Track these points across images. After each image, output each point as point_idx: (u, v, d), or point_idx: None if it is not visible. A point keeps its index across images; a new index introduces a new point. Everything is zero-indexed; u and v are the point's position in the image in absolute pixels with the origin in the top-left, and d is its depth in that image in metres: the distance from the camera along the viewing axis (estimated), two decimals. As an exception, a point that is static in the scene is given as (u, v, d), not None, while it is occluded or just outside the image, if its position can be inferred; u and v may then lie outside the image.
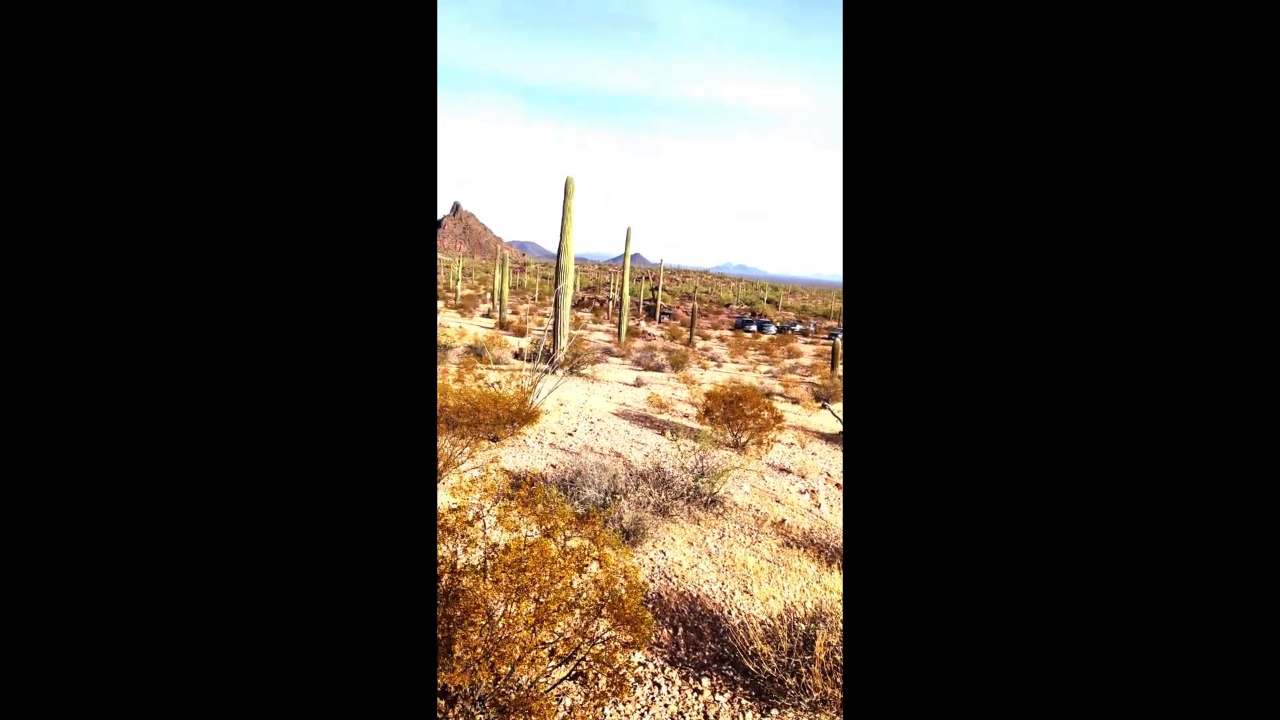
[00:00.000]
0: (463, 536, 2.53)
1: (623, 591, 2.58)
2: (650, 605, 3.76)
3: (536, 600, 2.37)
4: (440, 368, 11.57)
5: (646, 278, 67.60)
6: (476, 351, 15.30)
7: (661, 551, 4.54)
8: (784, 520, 5.53)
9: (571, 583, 2.53)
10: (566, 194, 13.82)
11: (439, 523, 2.55)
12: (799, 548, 4.95)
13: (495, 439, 6.81)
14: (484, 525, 2.71)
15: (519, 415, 6.61)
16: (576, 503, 4.77)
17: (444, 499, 4.76)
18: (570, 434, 7.77)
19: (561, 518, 2.75)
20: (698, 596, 3.96)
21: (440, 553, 2.42)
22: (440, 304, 37.75)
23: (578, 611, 2.59)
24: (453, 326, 23.35)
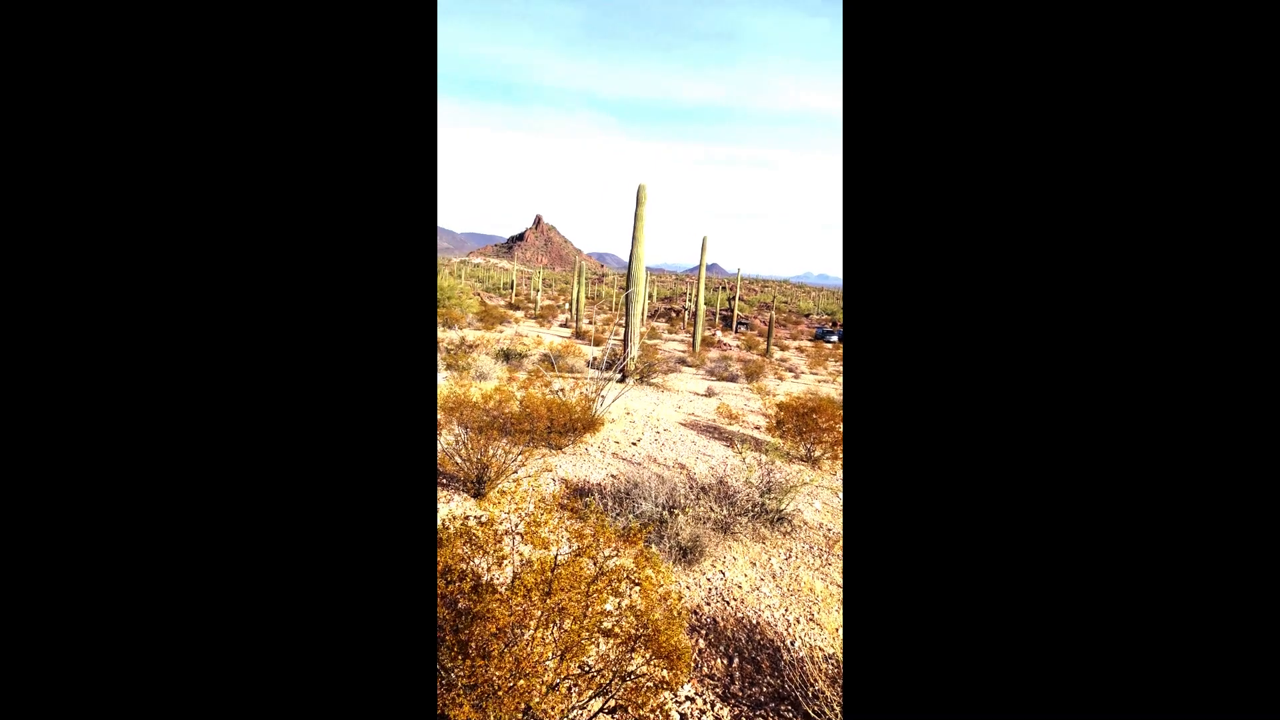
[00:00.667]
0: (485, 552, 2.36)
1: (660, 620, 2.33)
2: (704, 631, 3.48)
3: (564, 627, 2.16)
4: (510, 375, 11.69)
5: (723, 288, 67.01)
6: (550, 360, 15.45)
7: (721, 572, 4.24)
8: (858, 542, 5.11)
9: (606, 607, 2.32)
10: (639, 202, 13.74)
11: (468, 536, 2.39)
12: (874, 573, 4.53)
13: (557, 447, 6.71)
14: (514, 541, 2.53)
15: (579, 423, 6.48)
16: (631, 516, 4.56)
17: (477, 510, 4.67)
18: (634, 444, 7.58)
19: (600, 534, 2.54)
20: (757, 623, 3.64)
21: (464, 569, 2.26)
22: (520, 314, 38.72)
23: (611, 641, 2.36)
24: (530, 336, 23.80)
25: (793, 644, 3.48)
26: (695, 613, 3.68)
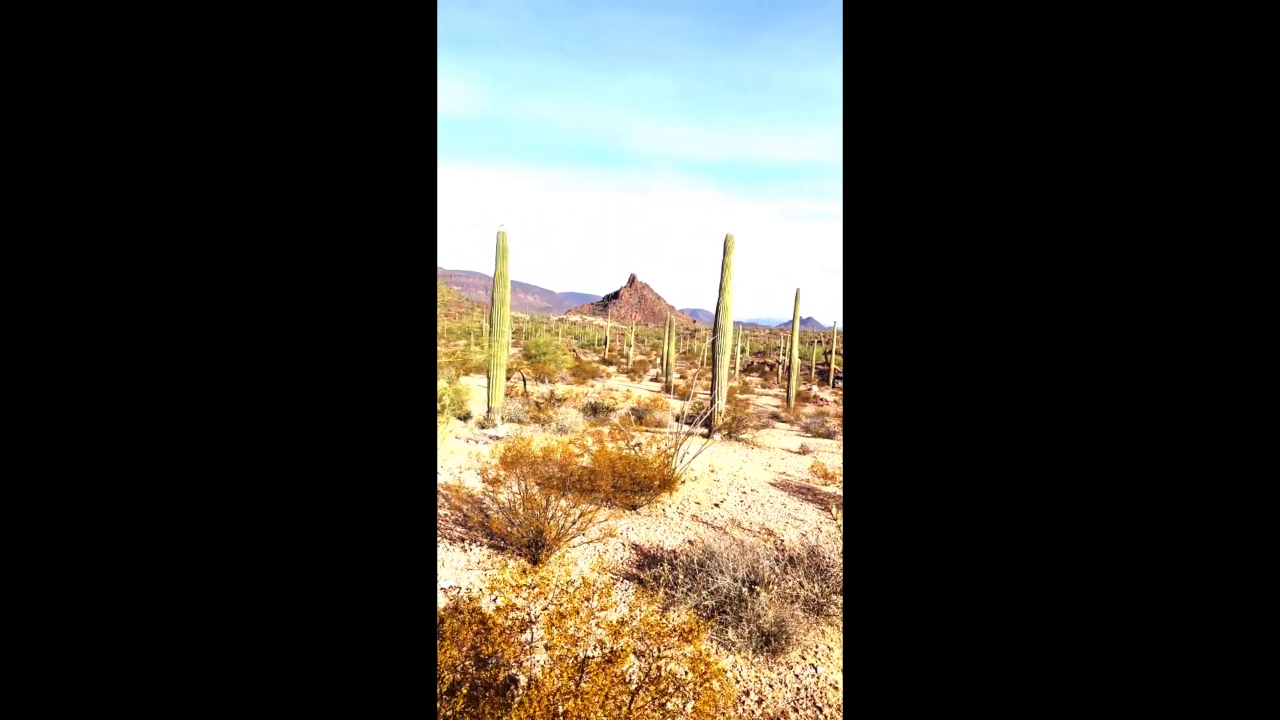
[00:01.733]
0: (492, 645, 1.89)
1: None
2: (789, 747, 2.81)
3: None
4: (596, 430, 11.38)
5: (819, 341, 65.02)
6: (638, 414, 15.09)
7: (812, 666, 3.54)
8: (984, 633, 4.22)
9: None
10: (726, 251, 13.38)
11: (485, 623, 1.94)
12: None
13: (630, 507, 6.20)
14: (530, 636, 2.05)
15: (654, 481, 5.96)
16: (705, 593, 3.95)
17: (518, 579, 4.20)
18: (717, 505, 6.94)
19: (649, 628, 2.01)
20: (858, 740, 2.92)
21: (470, 668, 1.80)
22: (613, 369, 39.02)
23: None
24: (620, 390, 23.66)
25: (905, 772, 2.74)
26: (776, 726, 3.01)
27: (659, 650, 1.98)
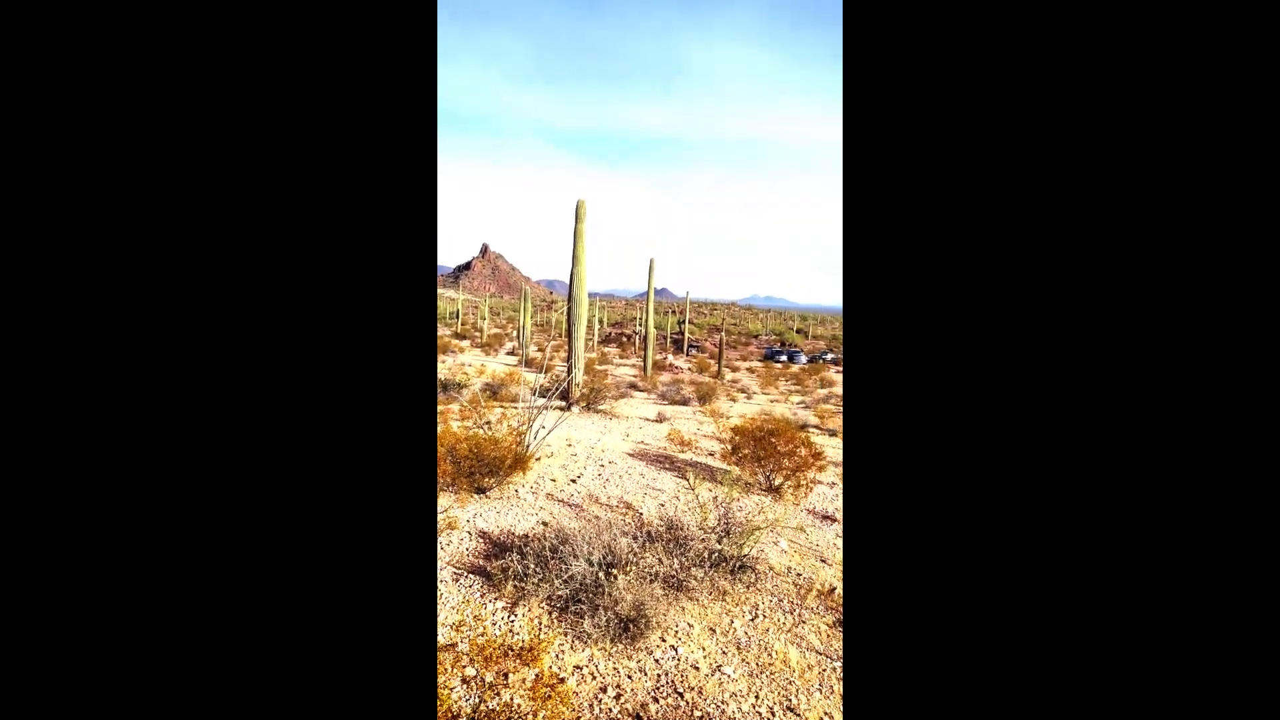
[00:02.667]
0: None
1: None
2: (650, 745, 2.59)
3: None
4: (445, 408, 10.63)
5: (674, 311, 66.79)
6: (493, 389, 14.40)
7: (672, 648, 3.37)
8: (834, 588, 4.32)
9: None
10: (577, 218, 12.97)
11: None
12: (857, 632, 3.73)
13: (480, 490, 5.73)
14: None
15: (503, 462, 5.54)
16: (559, 582, 3.64)
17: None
18: (574, 480, 6.66)
19: (478, 650, 1.64)
20: (721, 723, 2.78)
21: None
22: (466, 343, 37.39)
23: None
24: (474, 365, 22.61)
25: (768, 751, 2.63)
26: (638, 717, 2.78)
27: (492, 678, 1.62)
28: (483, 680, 1.61)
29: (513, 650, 1.69)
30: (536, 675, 1.64)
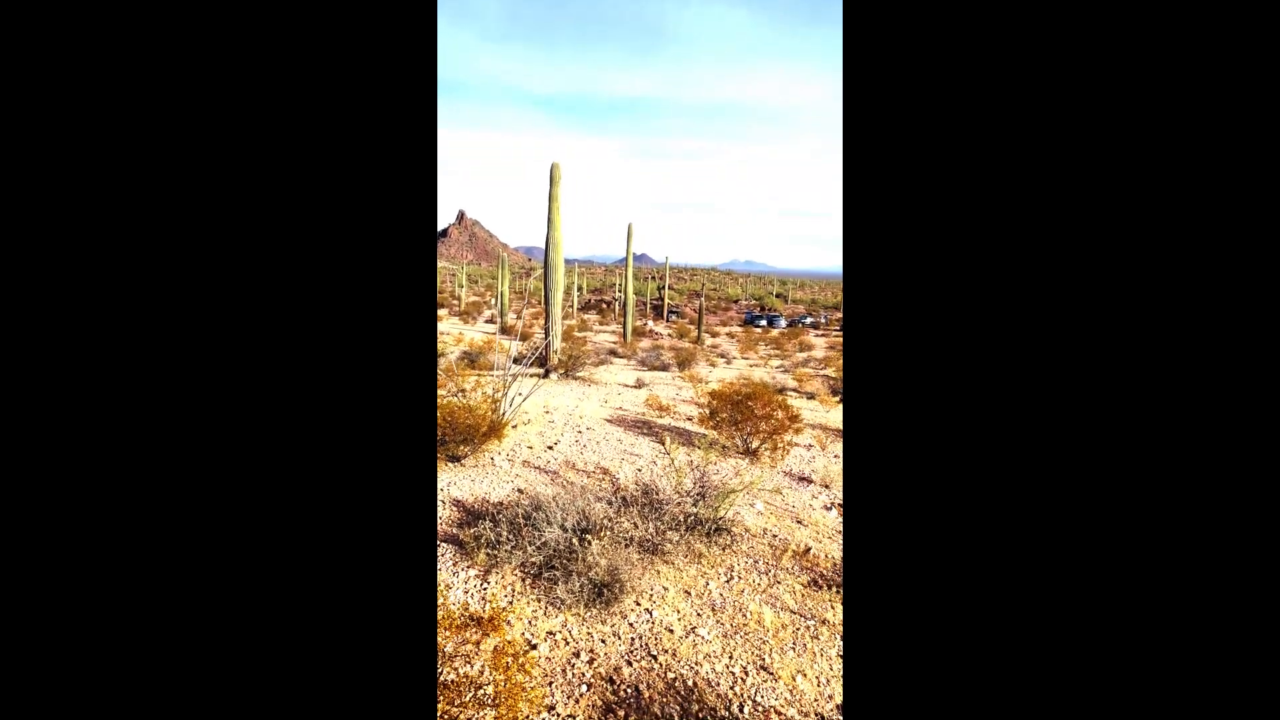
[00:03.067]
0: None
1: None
2: (624, 709, 2.59)
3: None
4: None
5: (653, 277, 66.37)
6: (470, 358, 14.23)
7: (647, 611, 3.37)
8: (808, 549, 4.35)
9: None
10: (552, 181, 12.68)
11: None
12: (831, 587, 3.77)
13: (455, 458, 5.67)
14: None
15: (477, 429, 5.46)
16: (532, 549, 3.61)
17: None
18: (550, 447, 6.62)
19: (440, 621, 1.59)
20: (694, 684, 2.79)
21: None
22: (444, 311, 36.89)
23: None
24: (451, 333, 22.35)
25: (742, 710, 2.64)
26: (611, 680, 2.78)
27: (452, 648, 1.57)
28: (443, 651, 1.56)
29: (475, 620, 1.64)
30: (496, 645, 1.60)
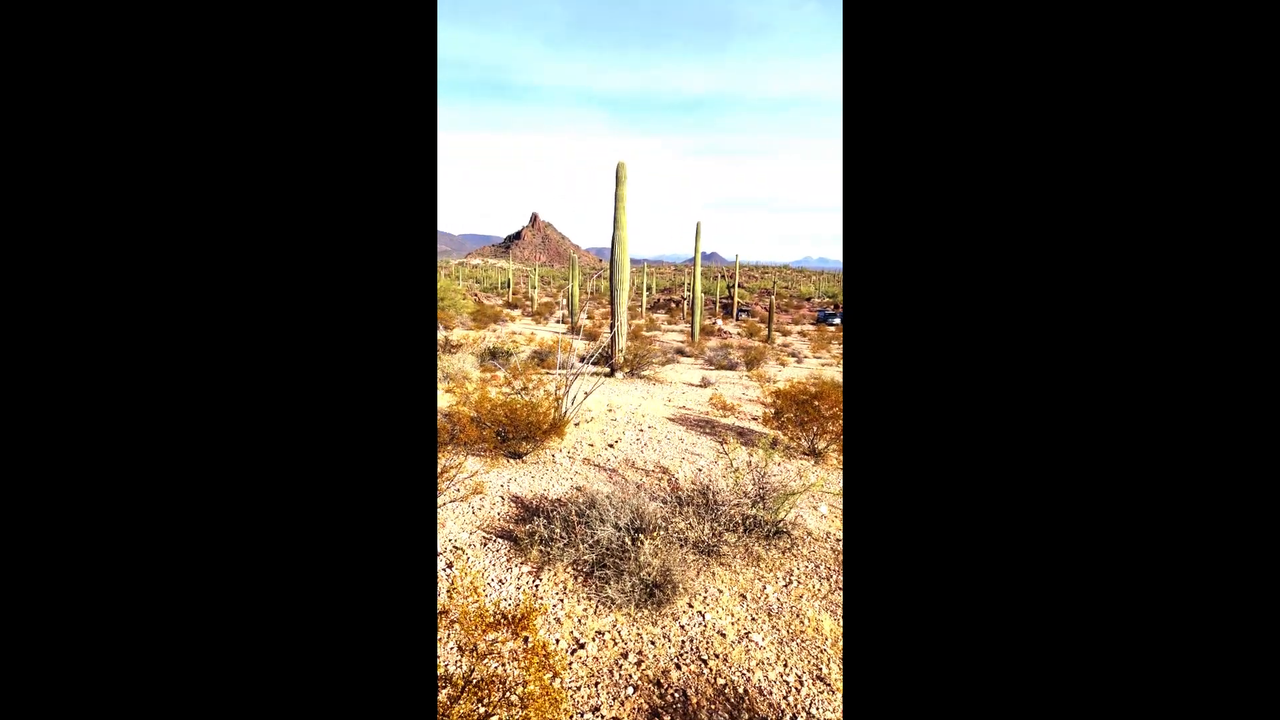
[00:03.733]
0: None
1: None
2: (669, 714, 2.53)
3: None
4: (490, 375, 10.76)
5: (723, 276, 65.77)
6: (540, 357, 14.50)
7: (699, 614, 3.29)
8: (875, 556, 4.14)
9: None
10: (619, 181, 12.74)
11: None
12: (897, 600, 3.56)
13: (516, 455, 5.75)
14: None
15: (539, 427, 5.52)
16: (585, 547, 3.60)
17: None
18: (611, 445, 6.62)
19: (467, 619, 1.58)
20: (745, 692, 2.69)
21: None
22: (517, 312, 37.84)
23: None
24: (524, 333, 22.86)
25: (793, 722, 2.53)
26: (659, 683, 2.72)
27: (482, 647, 1.56)
28: (475, 649, 1.55)
29: (506, 619, 1.63)
30: (526, 643, 1.58)
